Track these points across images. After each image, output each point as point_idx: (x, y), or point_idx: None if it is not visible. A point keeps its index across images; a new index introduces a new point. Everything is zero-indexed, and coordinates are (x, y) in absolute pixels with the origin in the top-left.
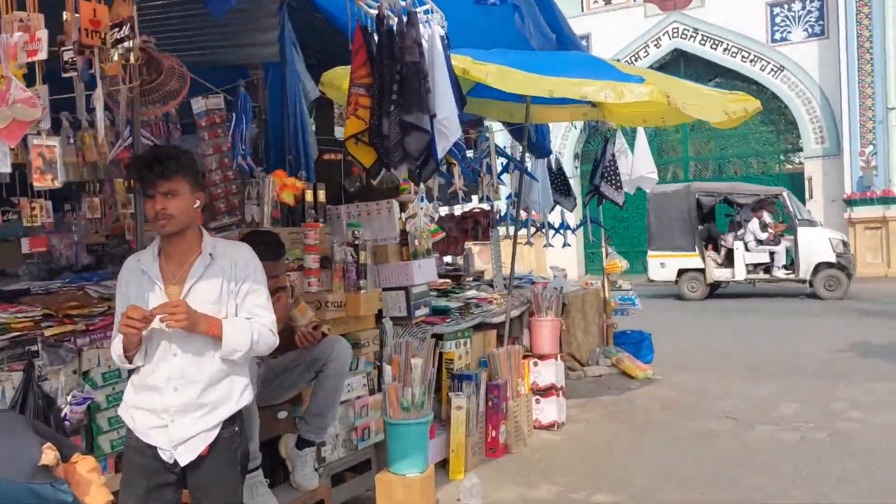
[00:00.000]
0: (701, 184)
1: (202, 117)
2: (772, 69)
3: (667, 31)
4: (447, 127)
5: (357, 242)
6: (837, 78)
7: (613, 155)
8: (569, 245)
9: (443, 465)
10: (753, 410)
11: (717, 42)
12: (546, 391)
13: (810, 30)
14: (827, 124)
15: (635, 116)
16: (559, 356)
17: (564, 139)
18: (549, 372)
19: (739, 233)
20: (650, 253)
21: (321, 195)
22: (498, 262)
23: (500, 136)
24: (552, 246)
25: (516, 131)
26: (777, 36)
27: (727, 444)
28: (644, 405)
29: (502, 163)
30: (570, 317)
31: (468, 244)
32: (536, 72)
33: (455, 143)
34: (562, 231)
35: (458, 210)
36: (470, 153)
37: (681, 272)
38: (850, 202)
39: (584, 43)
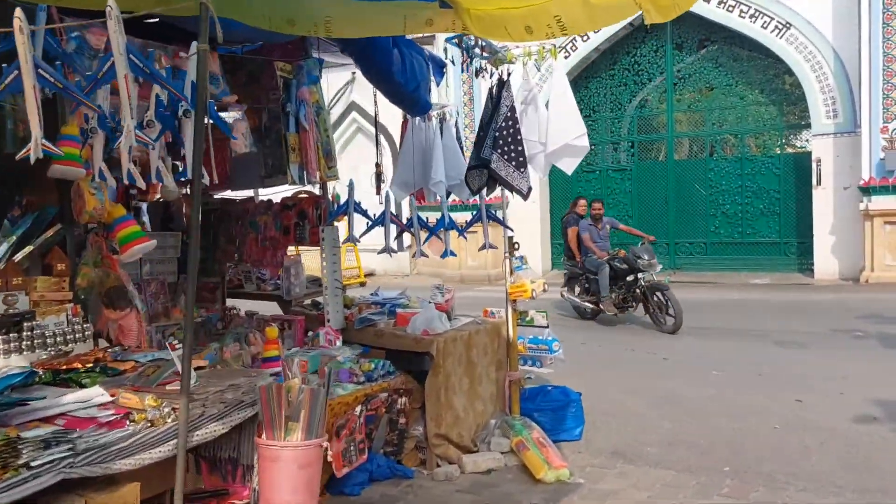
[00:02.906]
0: None
1: None
2: (776, 27)
3: None
4: None
5: None
6: (857, 37)
7: (513, 108)
8: (453, 254)
9: None
10: None
11: None
12: None
13: None
14: (841, 95)
15: (512, 23)
16: None
17: None
18: None
19: None
20: None
21: None
22: (332, 277)
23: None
24: (425, 256)
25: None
26: None
27: None
28: None
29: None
30: (443, 375)
31: (291, 250)
32: None
33: None
34: (438, 233)
35: (279, 196)
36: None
37: None
38: (867, 190)
39: None
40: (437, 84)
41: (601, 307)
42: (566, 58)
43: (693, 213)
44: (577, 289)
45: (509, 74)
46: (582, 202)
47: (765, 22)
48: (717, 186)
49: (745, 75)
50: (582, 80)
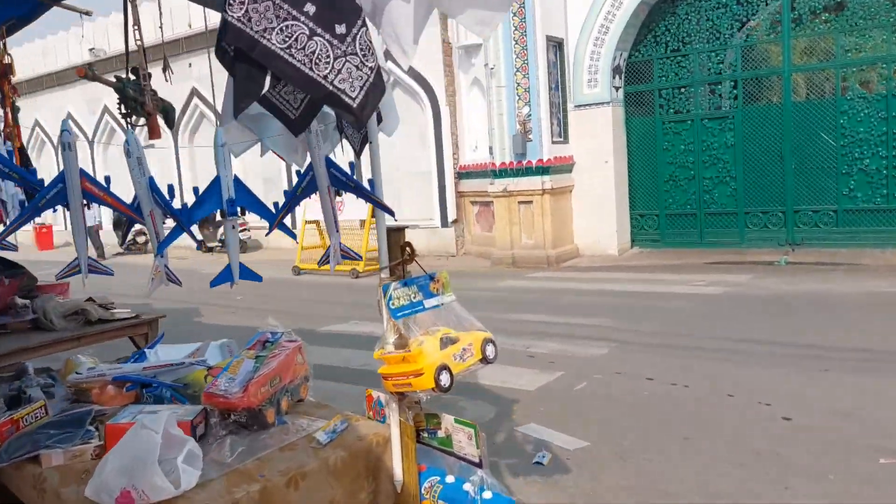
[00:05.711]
0: None
1: None
2: None
3: None
4: None
5: None
6: None
7: None
8: (256, 278)
9: None
10: None
11: None
12: None
13: None
14: None
15: None
16: None
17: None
18: None
19: None
20: None
21: None
22: None
23: None
24: (177, 282)
25: None
26: None
27: None
28: None
29: None
30: None
31: None
32: None
33: None
34: (208, 225)
35: None
36: None
37: None
38: None
39: None
40: None
41: None
42: None
43: (818, 171)
44: None
45: None
46: None
47: None
48: (853, 135)
49: None
50: (668, 3)
